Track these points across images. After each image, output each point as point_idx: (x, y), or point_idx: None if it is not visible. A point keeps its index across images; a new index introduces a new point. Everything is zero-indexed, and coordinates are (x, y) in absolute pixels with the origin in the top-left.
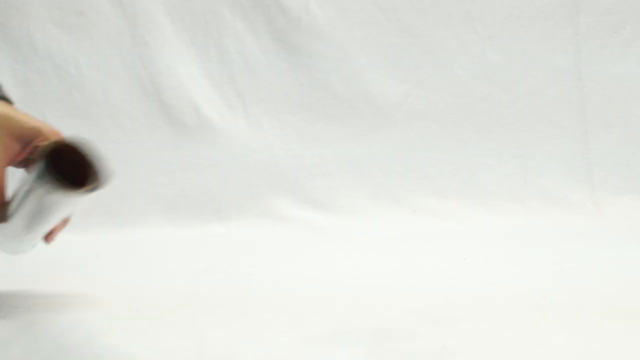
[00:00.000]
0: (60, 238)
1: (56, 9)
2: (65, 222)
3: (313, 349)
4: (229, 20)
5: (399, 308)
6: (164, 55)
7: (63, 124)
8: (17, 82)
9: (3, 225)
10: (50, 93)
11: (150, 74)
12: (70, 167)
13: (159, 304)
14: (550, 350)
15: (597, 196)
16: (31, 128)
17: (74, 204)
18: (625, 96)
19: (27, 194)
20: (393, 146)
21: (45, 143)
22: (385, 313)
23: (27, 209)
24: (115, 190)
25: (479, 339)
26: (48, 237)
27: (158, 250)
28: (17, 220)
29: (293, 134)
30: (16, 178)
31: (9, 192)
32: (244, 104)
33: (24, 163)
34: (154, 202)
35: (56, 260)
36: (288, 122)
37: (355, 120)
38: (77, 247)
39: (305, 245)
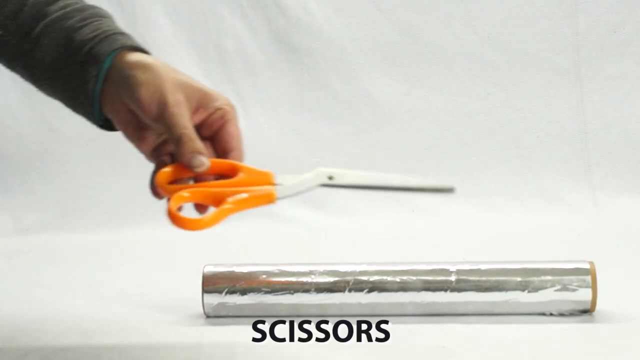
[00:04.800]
0: (60, 238)
1: None
2: None
3: (313, 349)
4: (228, 20)
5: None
6: (163, 55)
7: (63, 124)
8: (16, 81)
9: None
10: None
11: None
12: None
13: (160, 303)
14: (549, 348)
15: (596, 196)
16: (204, 92)
17: None
18: (624, 96)
19: None
20: (392, 146)
21: None
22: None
23: None
24: (115, 190)
25: (479, 339)
26: None
27: (158, 250)
28: None
29: (292, 133)
30: None
31: None
32: (243, 104)
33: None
34: (153, 202)
35: (56, 260)
36: (287, 121)
37: (355, 120)
38: (77, 247)
39: (305, 245)
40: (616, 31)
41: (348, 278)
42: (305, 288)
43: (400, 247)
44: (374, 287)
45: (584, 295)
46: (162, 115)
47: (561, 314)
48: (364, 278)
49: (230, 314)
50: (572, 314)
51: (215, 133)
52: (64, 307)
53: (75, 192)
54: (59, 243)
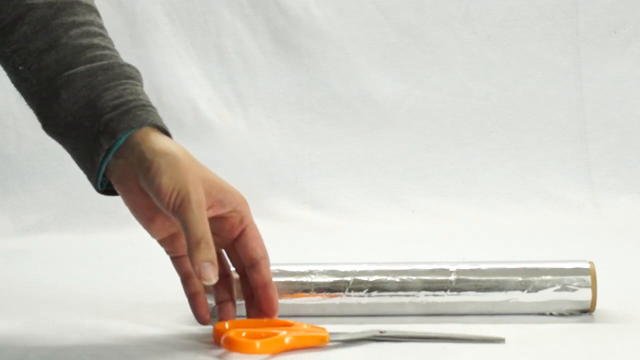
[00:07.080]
0: (60, 238)
1: None
2: None
3: (313, 349)
4: (228, 20)
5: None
6: (162, 55)
7: None
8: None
9: None
10: None
11: (148, 74)
12: None
13: (160, 303)
14: (549, 348)
15: (596, 196)
16: (222, 189)
17: None
18: (624, 96)
19: None
20: (392, 146)
21: None
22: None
23: None
24: None
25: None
26: None
27: (158, 250)
28: None
29: (292, 133)
30: None
31: None
32: (243, 104)
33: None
34: None
35: (56, 260)
36: (287, 122)
37: (355, 120)
38: (77, 247)
39: (305, 245)
40: (616, 31)
41: (348, 278)
42: (305, 288)
43: (400, 247)
44: (374, 287)
45: (584, 295)
46: (182, 211)
47: (561, 314)
48: (364, 278)
49: None
50: (572, 314)
51: (237, 240)
52: (64, 307)
53: (75, 192)
54: (59, 243)
